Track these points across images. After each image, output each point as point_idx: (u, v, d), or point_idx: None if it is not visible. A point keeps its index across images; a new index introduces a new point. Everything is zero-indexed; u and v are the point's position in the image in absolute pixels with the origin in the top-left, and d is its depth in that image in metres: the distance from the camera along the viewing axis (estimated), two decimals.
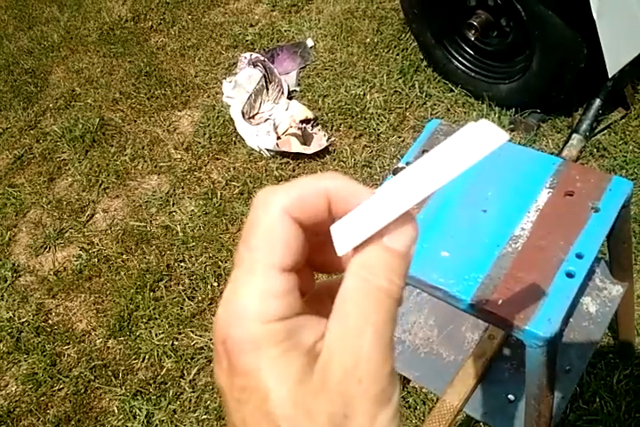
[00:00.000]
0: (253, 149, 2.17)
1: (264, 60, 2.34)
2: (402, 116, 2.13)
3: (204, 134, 2.28)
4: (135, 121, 2.44)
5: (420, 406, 1.49)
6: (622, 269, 1.06)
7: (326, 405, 0.24)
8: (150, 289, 1.90)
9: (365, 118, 2.15)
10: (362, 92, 2.22)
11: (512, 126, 1.95)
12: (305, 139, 2.10)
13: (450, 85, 2.11)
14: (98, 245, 2.07)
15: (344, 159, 2.06)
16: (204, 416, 1.62)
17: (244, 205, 2.04)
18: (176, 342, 1.77)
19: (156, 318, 1.83)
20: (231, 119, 2.26)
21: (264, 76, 2.30)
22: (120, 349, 1.81)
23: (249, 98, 2.25)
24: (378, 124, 2.12)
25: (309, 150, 2.06)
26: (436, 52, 2.05)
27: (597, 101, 1.80)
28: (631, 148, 1.83)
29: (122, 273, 1.97)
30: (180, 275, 1.92)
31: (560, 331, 0.73)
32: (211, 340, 1.73)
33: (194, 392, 1.67)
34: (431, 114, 2.09)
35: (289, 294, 0.26)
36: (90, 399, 1.74)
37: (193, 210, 2.07)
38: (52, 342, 1.87)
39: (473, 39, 1.89)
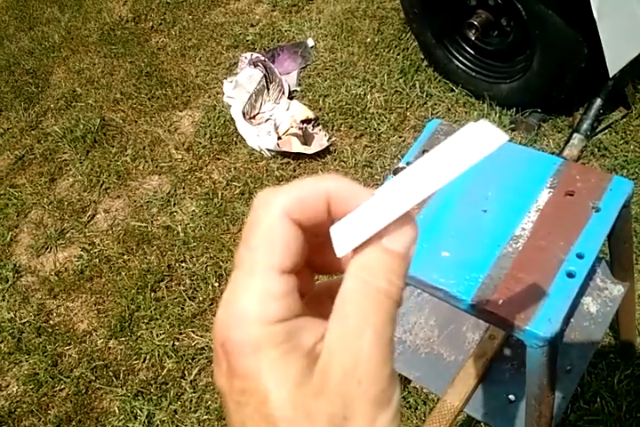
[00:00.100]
0: (254, 150, 2.17)
1: (265, 60, 2.34)
2: (402, 115, 2.13)
3: (205, 134, 2.28)
4: (136, 121, 2.44)
5: (421, 406, 1.49)
6: (623, 269, 1.06)
7: (326, 406, 0.24)
8: (151, 289, 1.90)
9: (366, 118, 2.15)
10: (362, 92, 2.22)
11: (513, 126, 1.95)
12: (306, 139, 2.10)
13: (450, 85, 2.11)
14: (99, 245, 2.08)
15: (345, 159, 2.06)
16: (205, 417, 1.62)
17: (244, 205, 2.04)
18: (177, 343, 1.77)
19: (157, 319, 1.83)
20: (232, 119, 2.26)
21: (265, 76, 2.30)
22: (121, 349, 1.81)
23: (250, 98, 2.25)
24: (379, 123, 2.12)
25: (310, 150, 2.06)
26: (436, 51, 2.05)
27: (598, 101, 1.79)
28: (632, 147, 1.83)
29: (123, 273, 1.97)
30: (181, 275, 1.92)
31: (561, 331, 0.73)
32: (211, 340, 1.73)
33: (195, 393, 1.67)
34: (432, 114, 2.09)
35: (288, 296, 0.25)
36: (91, 400, 1.74)
37: (194, 210, 2.07)
38: (53, 342, 1.87)
39: (473, 39, 1.89)
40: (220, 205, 2.06)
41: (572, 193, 0.83)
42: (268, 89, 2.31)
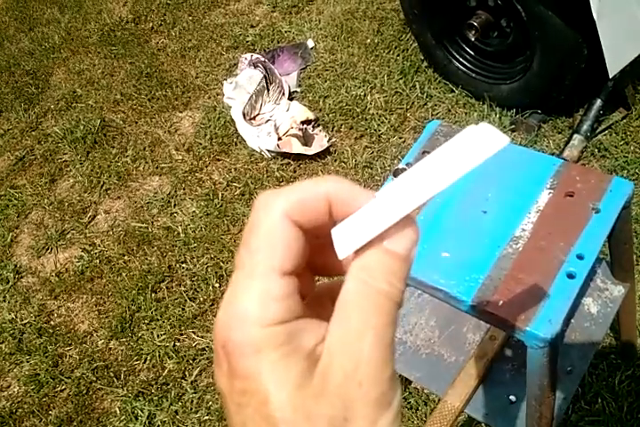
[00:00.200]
0: (254, 150, 2.18)
1: (265, 61, 2.34)
2: (403, 116, 2.13)
3: (205, 135, 2.28)
4: (136, 122, 2.44)
5: (422, 406, 1.49)
6: (624, 270, 1.06)
7: (326, 408, 0.24)
8: (152, 290, 1.90)
9: (366, 119, 2.15)
10: (362, 93, 2.22)
11: (513, 127, 1.95)
12: (306, 140, 2.10)
13: (450, 86, 2.11)
14: (99, 246, 2.08)
15: (345, 160, 2.06)
16: (206, 417, 1.62)
17: (245, 206, 2.04)
18: (178, 343, 1.78)
19: (158, 319, 1.83)
20: (232, 120, 2.26)
21: (265, 77, 2.30)
22: (122, 350, 1.81)
23: (250, 99, 2.25)
24: (379, 124, 2.12)
25: (310, 151, 2.06)
26: (436, 52, 2.05)
27: (598, 102, 1.79)
28: (632, 148, 1.83)
29: (123, 274, 1.97)
30: (182, 276, 1.92)
31: (561, 332, 0.73)
32: (212, 341, 1.73)
33: (195, 393, 1.67)
34: (432, 115, 2.10)
35: (289, 298, 0.26)
36: (92, 400, 1.74)
37: (194, 211, 2.07)
38: (54, 343, 1.88)
39: (473, 40, 1.89)
40: (221, 205, 2.06)
41: (572, 194, 0.83)
42: (268, 90, 2.31)
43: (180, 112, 2.43)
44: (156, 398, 1.68)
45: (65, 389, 1.78)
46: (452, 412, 0.98)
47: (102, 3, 3.09)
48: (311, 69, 2.39)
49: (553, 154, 1.86)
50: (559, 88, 1.79)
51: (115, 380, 1.75)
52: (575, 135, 1.80)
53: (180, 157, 2.26)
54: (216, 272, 1.89)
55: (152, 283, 1.91)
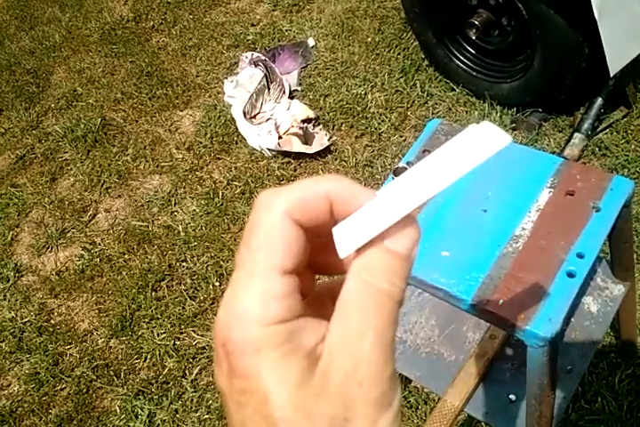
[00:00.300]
0: (255, 149, 2.17)
1: (265, 60, 2.34)
2: (403, 115, 2.13)
3: (206, 134, 2.28)
4: (137, 121, 2.44)
5: (422, 405, 1.49)
6: (624, 269, 1.06)
7: (326, 408, 0.24)
8: (152, 289, 1.90)
9: (367, 118, 2.15)
10: (363, 92, 2.22)
11: (514, 125, 1.95)
12: (306, 138, 2.10)
13: (451, 84, 2.11)
14: (100, 244, 2.08)
15: (345, 159, 2.06)
16: (206, 416, 1.62)
17: (245, 204, 2.04)
18: (178, 342, 1.78)
19: (158, 318, 1.83)
20: (232, 119, 2.26)
21: (265, 75, 2.30)
22: (122, 348, 1.81)
23: (250, 97, 2.25)
24: (379, 123, 2.12)
25: (311, 150, 2.06)
26: (437, 51, 2.05)
27: (599, 100, 1.79)
28: (633, 147, 1.82)
29: (124, 273, 1.97)
30: (182, 275, 1.92)
31: (561, 331, 0.73)
32: (212, 340, 1.73)
33: (195, 392, 1.67)
34: (432, 113, 2.09)
35: (289, 297, 0.25)
36: (92, 399, 1.74)
37: (195, 210, 2.07)
38: (54, 341, 1.88)
39: (474, 38, 1.89)
40: (221, 204, 2.06)
41: (573, 193, 0.83)
42: (269, 88, 2.31)
43: (181, 111, 2.43)
44: (156, 396, 1.68)
45: (65, 387, 1.78)
46: (451, 411, 0.97)
47: (103, 1, 3.09)
48: (312, 68, 2.39)
49: (554, 153, 1.86)
50: (560, 87, 1.79)
51: (115, 379, 1.75)
52: (576, 134, 1.80)
53: (181, 156, 2.26)
54: (216, 271, 1.89)
55: (152, 282, 1.91)
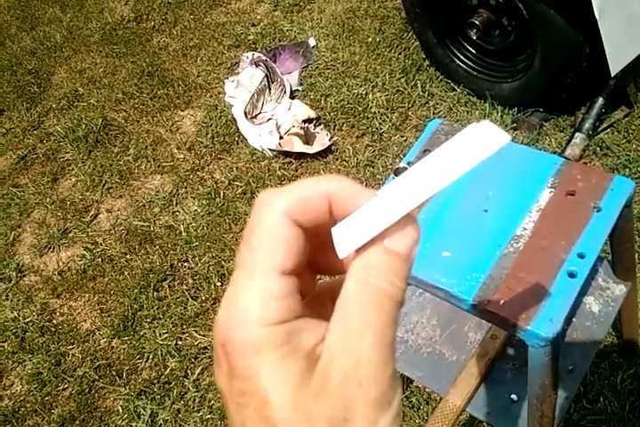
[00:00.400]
0: (256, 149, 2.18)
1: (266, 60, 2.34)
2: (404, 115, 2.13)
3: (207, 134, 2.28)
4: (138, 121, 2.45)
5: (424, 405, 1.49)
6: (625, 269, 1.06)
7: (326, 408, 0.24)
8: (154, 289, 1.91)
9: (368, 118, 2.15)
10: (364, 92, 2.22)
11: (515, 125, 1.95)
12: (307, 138, 2.10)
13: (452, 84, 2.11)
14: (102, 244, 2.08)
15: (346, 159, 2.06)
16: (208, 416, 1.63)
17: (246, 204, 2.04)
18: (180, 342, 1.78)
19: (160, 318, 1.84)
20: (234, 119, 2.26)
21: (266, 75, 2.30)
22: (124, 348, 1.82)
23: (251, 97, 2.25)
24: (380, 123, 2.12)
25: (312, 150, 2.06)
26: (438, 51, 2.05)
27: (600, 100, 1.79)
28: (634, 146, 1.82)
29: (126, 273, 1.97)
30: (184, 275, 1.93)
31: (562, 331, 0.73)
32: (214, 339, 1.73)
33: (197, 392, 1.67)
34: (433, 113, 2.09)
35: (289, 297, 0.26)
36: (94, 399, 1.75)
37: (196, 210, 2.08)
38: (56, 341, 1.88)
39: (475, 38, 1.89)
40: (222, 204, 2.06)
41: (574, 193, 0.83)
42: (270, 89, 2.31)
43: (182, 111, 2.44)
44: (158, 396, 1.69)
45: (67, 387, 1.78)
46: (453, 411, 0.98)
47: (104, 2, 3.09)
48: (313, 68, 2.39)
49: (555, 152, 1.86)
50: (561, 86, 1.79)
51: (117, 378, 1.76)
52: (577, 134, 1.80)
53: (182, 156, 2.26)
54: (218, 271, 1.89)
55: (154, 282, 1.92)
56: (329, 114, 2.20)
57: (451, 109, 2.08)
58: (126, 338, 1.83)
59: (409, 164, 0.93)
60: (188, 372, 1.72)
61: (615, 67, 1.59)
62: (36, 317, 1.95)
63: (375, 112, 2.15)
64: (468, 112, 2.05)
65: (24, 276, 2.09)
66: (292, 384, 0.24)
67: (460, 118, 2.04)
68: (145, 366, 1.77)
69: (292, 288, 0.26)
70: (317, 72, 2.37)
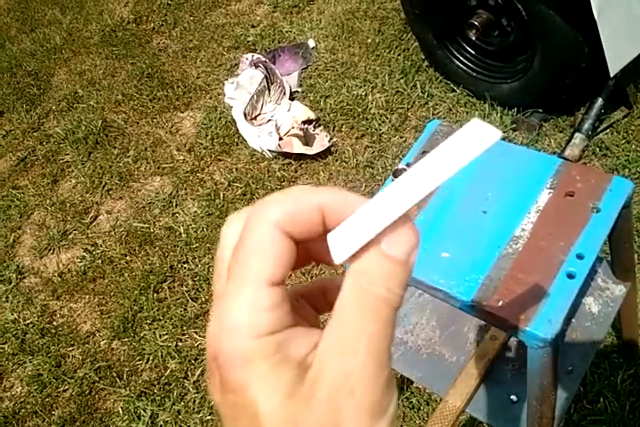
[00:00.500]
0: (255, 150, 2.18)
1: (266, 61, 2.35)
2: (404, 116, 2.13)
3: (207, 136, 2.29)
4: (138, 123, 2.45)
5: (424, 406, 1.49)
6: (625, 269, 1.06)
7: (316, 418, 0.23)
8: (154, 290, 1.91)
9: (367, 119, 2.15)
10: (363, 93, 2.22)
11: (514, 126, 1.95)
12: (307, 139, 2.10)
13: (451, 85, 2.11)
14: (101, 246, 2.08)
15: (346, 160, 2.06)
16: (209, 417, 1.63)
17: (246, 206, 2.03)
18: (180, 343, 1.78)
19: (160, 320, 1.84)
20: (233, 120, 2.27)
21: (266, 77, 2.30)
22: (124, 350, 1.82)
23: (251, 99, 2.25)
24: (380, 124, 2.12)
25: (311, 151, 2.06)
26: (437, 52, 2.05)
27: (600, 101, 1.79)
28: (634, 147, 1.82)
29: (125, 274, 1.97)
30: (184, 276, 1.93)
31: (561, 332, 0.73)
32: None
33: (198, 393, 1.67)
34: (433, 114, 2.09)
35: (279, 307, 0.25)
36: (94, 400, 1.75)
37: (196, 211, 2.08)
38: (56, 343, 1.88)
39: (474, 39, 1.89)
40: (222, 205, 2.06)
41: (572, 194, 0.83)
42: (269, 90, 2.31)
43: (182, 112, 2.44)
44: (158, 398, 1.69)
45: (68, 389, 1.79)
46: (452, 412, 0.98)
47: (103, 3, 3.10)
48: (312, 69, 2.39)
49: (554, 153, 1.86)
50: (560, 87, 1.79)
51: (117, 380, 1.76)
52: (576, 134, 1.80)
53: (182, 158, 2.26)
54: None
55: (154, 283, 1.92)
56: (328, 115, 2.20)
57: (450, 110, 2.08)
58: (126, 339, 1.83)
59: (408, 165, 0.93)
60: (189, 373, 1.72)
61: (614, 67, 1.59)
62: (36, 318, 1.96)
63: (374, 113, 2.15)
64: (467, 113, 2.05)
65: (24, 277, 2.10)
66: (283, 393, 0.24)
67: (459, 119, 2.05)
68: (145, 367, 1.77)
69: (282, 298, 0.25)
70: (317, 73, 2.37)
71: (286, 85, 2.29)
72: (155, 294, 1.90)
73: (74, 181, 2.33)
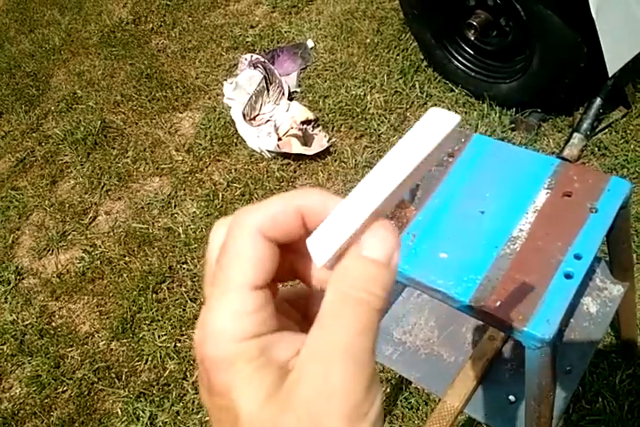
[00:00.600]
0: (254, 151, 2.18)
1: (264, 62, 2.35)
2: (402, 116, 2.13)
3: (206, 136, 2.29)
4: (136, 123, 2.45)
5: (423, 406, 1.49)
6: (623, 269, 1.06)
7: (295, 421, 0.23)
8: (153, 291, 1.91)
9: (366, 119, 2.15)
10: (362, 93, 2.22)
11: (513, 126, 1.95)
12: (306, 140, 2.10)
13: (450, 85, 2.11)
14: (100, 247, 2.08)
15: (345, 160, 2.06)
16: (207, 418, 1.63)
17: (245, 206, 2.04)
18: (179, 344, 1.78)
19: (159, 320, 1.84)
20: (232, 121, 2.26)
21: (264, 77, 2.30)
22: (123, 351, 1.82)
23: (250, 99, 2.25)
24: (378, 124, 2.12)
25: (310, 151, 2.06)
26: (436, 52, 2.05)
27: (598, 100, 1.79)
28: (632, 146, 1.82)
29: (124, 275, 1.97)
30: (183, 277, 1.93)
31: (559, 332, 0.73)
32: None
33: (197, 394, 1.67)
34: None
35: (262, 310, 0.26)
36: (93, 401, 1.75)
37: (195, 211, 2.08)
38: (55, 344, 1.88)
39: (473, 39, 1.89)
40: (221, 206, 2.06)
41: (570, 194, 0.83)
42: (268, 90, 2.31)
43: (181, 113, 2.44)
44: (157, 398, 1.69)
45: (67, 390, 1.78)
46: (451, 412, 0.98)
47: (102, 4, 3.10)
48: (311, 69, 2.39)
49: (553, 153, 1.86)
50: (559, 87, 1.79)
51: (116, 381, 1.75)
52: (575, 134, 1.80)
53: (181, 158, 2.26)
54: None
55: (153, 284, 1.92)
56: (327, 115, 2.20)
57: (449, 110, 2.07)
58: (125, 340, 1.83)
59: None
60: (187, 374, 1.72)
61: (613, 67, 1.59)
62: (35, 319, 1.95)
63: (373, 113, 2.15)
64: (466, 113, 2.05)
65: (23, 278, 2.10)
66: (265, 396, 0.24)
67: None
68: (144, 368, 1.77)
69: (265, 301, 0.26)
70: (315, 73, 2.37)
71: (285, 86, 2.29)
72: (154, 295, 1.90)
73: (73, 182, 2.33)
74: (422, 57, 2.20)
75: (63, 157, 2.42)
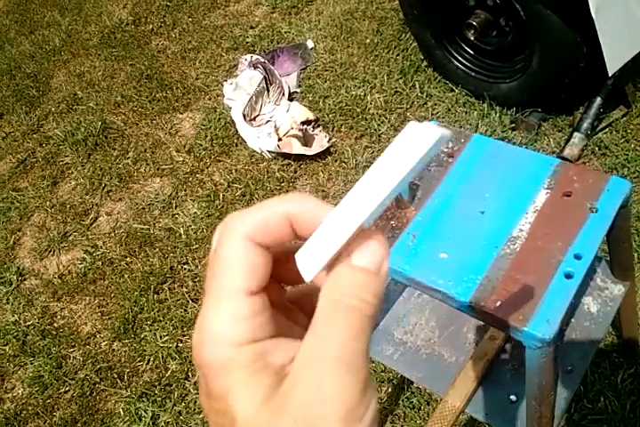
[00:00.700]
0: (255, 151, 2.18)
1: (264, 62, 2.35)
2: (403, 116, 2.13)
3: (206, 137, 2.29)
4: (137, 124, 2.45)
5: (424, 406, 1.49)
6: (623, 269, 1.06)
7: (291, 426, 0.24)
8: (154, 291, 1.91)
9: (366, 119, 2.15)
10: (362, 93, 2.22)
11: (513, 125, 1.95)
12: (306, 140, 2.10)
13: (450, 85, 2.11)
14: (102, 248, 2.08)
15: (345, 160, 2.06)
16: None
17: (246, 206, 2.03)
18: (180, 344, 1.78)
19: (161, 321, 1.84)
20: (232, 121, 2.27)
21: (265, 77, 2.30)
22: (125, 351, 1.82)
23: (250, 100, 2.25)
24: (379, 124, 2.12)
25: (311, 151, 2.06)
26: (436, 52, 2.05)
27: (598, 100, 1.79)
28: (633, 146, 1.82)
29: (126, 276, 1.98)
30: (184, 277, 1.93)
31: (560, 332, 0.73)
32: None
33: (198, 394, 1.67)
34: (432, 114, 2.10)
35: (259, 315, 0.26)
36: (96, 402, 1.75)
37: (195, 212, 2.08)
38: (57, 344, 1.88)
39: (472, 39, 1.89)
40: (222, 206, 2.07)
41: (570, 194, 0.83)
42: (268, 91, 2.31)
43: (181, 113, 2.44)
44: (159, 398, 1.69)
45: (69, 390, 1.79)
46: (452, 412, 0.98)
47: (102, 5, 3.10)
48: (311, 70, 2.40)
49: (553, 152, 1.86)
50: (559, 86, 1.79)
51: (118, 381, 1.76)
52: (575, 133, 1.80)
53: (181, 159, 2.27)
54: None
55: (154, 284, 1.92)
56: (327, 115, 2.20)
57: (449, 110, 2.09)
58: (127, 341, 1.83)
59: None
60: (189, 374, 1.72)
61: (613, 66, 1.59)
62: (36, 320, 1.96)
63: (373, 113, 2.15)
64: (466, 113, 2.05)
65: (25, 279, 2.10)
66: (261, 400, 0.24)
67: (458, 119, 2.05)
68: (146, 368, 1.77)
69: (261, 306, 0.26)
70: (315, 74, 2.38)
71: (285, 86, 2.30)
72: (155, 296, 1.90)
73: (73, 183, 2.33)
74: (422, 57, 2.20)
75: (64, 157, 2.43)
